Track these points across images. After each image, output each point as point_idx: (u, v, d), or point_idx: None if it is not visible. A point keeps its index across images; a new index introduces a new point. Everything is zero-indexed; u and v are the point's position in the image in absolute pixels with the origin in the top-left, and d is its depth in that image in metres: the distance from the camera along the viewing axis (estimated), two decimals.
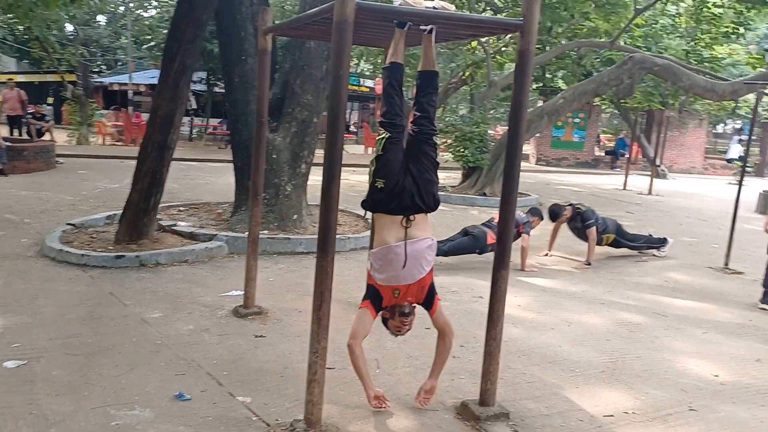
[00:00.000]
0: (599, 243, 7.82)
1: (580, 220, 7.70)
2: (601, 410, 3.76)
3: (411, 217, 3.38)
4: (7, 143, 12.45)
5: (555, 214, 7.79)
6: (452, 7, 3.44)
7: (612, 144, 29.78)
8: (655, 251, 8.31)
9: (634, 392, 4.05)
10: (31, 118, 17.33)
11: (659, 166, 20.88)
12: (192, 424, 3.31)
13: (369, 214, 3.67)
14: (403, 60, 3.54)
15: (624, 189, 17.18)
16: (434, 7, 3.35)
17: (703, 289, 6.82)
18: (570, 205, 7.86)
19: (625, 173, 18.13)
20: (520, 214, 7.35)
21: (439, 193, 3.55)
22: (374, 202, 3.43)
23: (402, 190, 3.36)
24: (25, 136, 16.80)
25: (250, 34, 7.59)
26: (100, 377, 3.79)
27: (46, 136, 16.96)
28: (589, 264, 7.51)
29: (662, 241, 8.35)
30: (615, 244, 8.03)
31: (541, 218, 7.65)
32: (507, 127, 4.30)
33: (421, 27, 3.51)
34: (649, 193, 16.31)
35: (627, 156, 19.82)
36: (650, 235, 8.46)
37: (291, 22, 4.61)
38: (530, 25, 3.36)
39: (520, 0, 3.32)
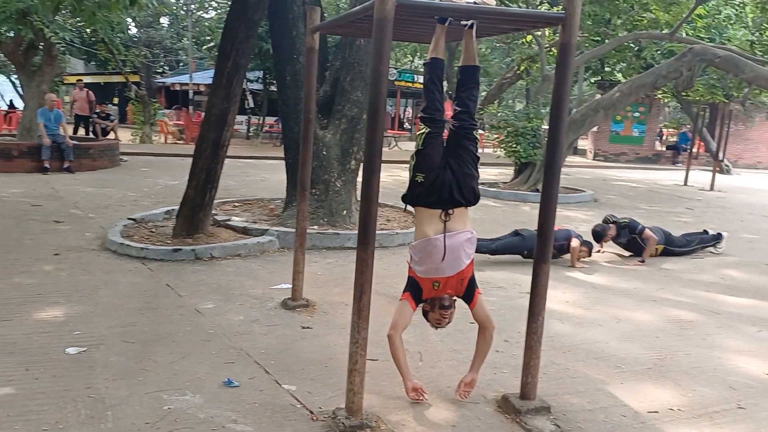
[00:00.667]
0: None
1: (628, 233, 7.52)
2: (645, 406, 3.72)
3: (450, 211, 3.42)
4: (74, 142, 13.02)
5: (599, 235, 7.52)
6: (493, 2, 3.46)
7: (675, 138, 28.93)
8: (711, 248, 8.07)
9: (681, 389, 3.99)
10: (96, 118, 18.05)
11: (722, 161, 20.19)
12: (239, 410, 3.43)
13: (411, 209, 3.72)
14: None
15: (685, 185, 16.72)
16: (474, 2, 3.37)
17: (761, 287, 6.61)
18: (613, 222, 7.66)
19: (686, 169, 17.62)
20: (575, 232, 7.29)
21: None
22: (414, 196, 3.48)
23: (441, 184, 3.40)
24: (91, 135, 17.50)
25: (301, 33, 7.74)
26: (154, 364, 3.96)
27: (111, 135, 17.63)
28: (643, 261, 7.36)
29: (717, 238, 8.08)
30: (665, 254, 7.70)
31: (590, 254, 7.37)
32: None
33: (462, 22, 3.54)
34: (711, 189, 15.80)
35: (689, 151, 19.23)
36: (704, 232, 8.17)
37: (336, 20, 4.69)
38: (572, 17, 3.35)
39: None
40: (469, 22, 3.52)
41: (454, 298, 3.54)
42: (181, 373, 3.86)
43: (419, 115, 3.55)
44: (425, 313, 3.60)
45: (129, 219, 7.86)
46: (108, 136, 17.32)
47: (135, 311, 4.90)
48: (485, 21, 3.60)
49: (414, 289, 3.51)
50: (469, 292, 3.55)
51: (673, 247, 7.79)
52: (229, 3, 7.80)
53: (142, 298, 5.21)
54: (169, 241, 6.92)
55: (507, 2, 16.48)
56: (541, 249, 3.58)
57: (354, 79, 7.95)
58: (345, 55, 8.08)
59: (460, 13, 3.40)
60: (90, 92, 18.53)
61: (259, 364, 4.05)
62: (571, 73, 3.45)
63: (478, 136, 3.68)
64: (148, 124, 21.18)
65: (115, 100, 31.51)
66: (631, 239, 7.54)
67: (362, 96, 7.94)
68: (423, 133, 3.45)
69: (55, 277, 5.71)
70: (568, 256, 7.11)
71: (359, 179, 8.51)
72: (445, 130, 3.57)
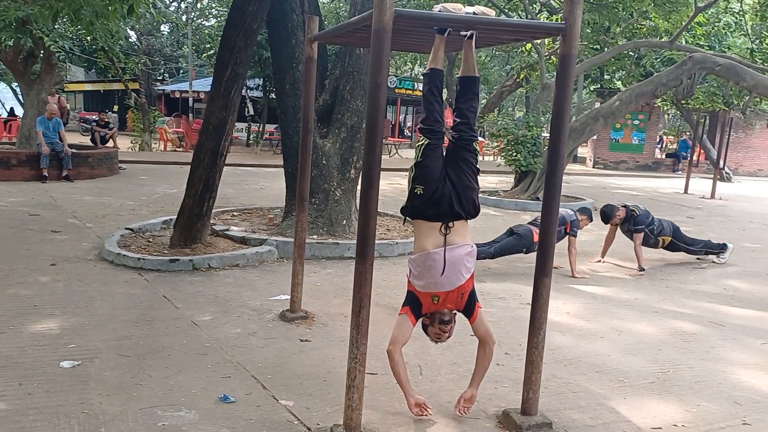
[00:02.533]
0: (655, 246, 7.62)
1: (632, 223, 7.48)
2: (648, 422, 3.66)
3: (450, 224, 3.37)
4: (73, 150, 12.98)
5: (607, 215, 7.55)
6: (492, 13, 3.41)
7: (675, 146, 28.93)
8: (714, 257, 8.01)
9: (685, 404, 3.92)
10: (95, 125, 18.00)
11: (723, 168, 20.15)
12: (235, 427, 3.37)
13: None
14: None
15: (685, 193, 16.67)
16: (474, 13, 3.33)
17: (765, 298, 6.54)
18: (624, 206, 7.63)
19: (686, 177, 17.58)
20: (567, 211, 7.13)
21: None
22: (413, 208, 3.43)
23: (441, 197, 3.35)
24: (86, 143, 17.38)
25: (300, 41, 7.70)
26: (149, 378, 3.90)
27: (110, 143, 17.59)
28: (643, 270, 7.30)
29: (722, 247, 8.03)
30: (671, 247, 7.78)
31: (591, 219, 7.42)
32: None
33: (461, 33, 3.50)
34: (712, 197, 15.75)
35: (689, 159, 19.20)
36: (709, 240, 8.17)
37: (335, 30, 4.65)
38: (572, 28, 3.31)
39: None
40: (469, 33, 3.48)
41: (454, 312, 3.49)
42: (177, 388, 3.79)
43: (418, 127, 3.50)
44: (425, 327, 3.54)
45: (126, 229, 7.80)
46: (107, 144, 17.28)
47: (130, 324, 4.84)
48: (485, 31, 3.56)
49: (413, 303, 3.45)
50: (469, 307, 3.49)
51: (680, 242, 7.78)
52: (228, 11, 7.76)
53: (138, 310, 5.15)
54: (166, 252, 6.86)
55: (507, 11, 16.51)
56: (541, 263, 3.52)
57: (354, 88, 7.92)
58: (344, 64, 8.05)
59: (458, 24, 3.35)
60: (62, 98, 18.16)
61: (256, 378, 3.99)
62: (571, 83, 3.41)
63: (478, 147, 3.64)
64: (147, 132, 21.14)
65: (115, 108, 31.51)
66: (632, 231, 7.50)
67: (362, 105, 7.90)
68: (422, 144, 3.40)
69: (51, 288, 5.65)
70: (566, 262, 7.01)
71: (359, 188, 8.48)
72: (446, 138, 3.53)
